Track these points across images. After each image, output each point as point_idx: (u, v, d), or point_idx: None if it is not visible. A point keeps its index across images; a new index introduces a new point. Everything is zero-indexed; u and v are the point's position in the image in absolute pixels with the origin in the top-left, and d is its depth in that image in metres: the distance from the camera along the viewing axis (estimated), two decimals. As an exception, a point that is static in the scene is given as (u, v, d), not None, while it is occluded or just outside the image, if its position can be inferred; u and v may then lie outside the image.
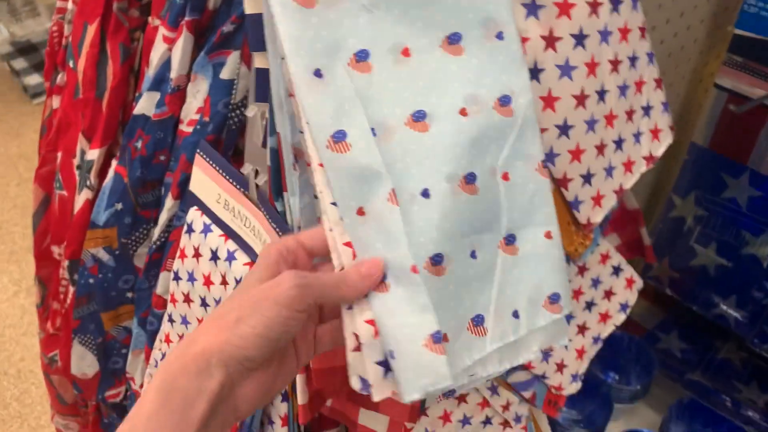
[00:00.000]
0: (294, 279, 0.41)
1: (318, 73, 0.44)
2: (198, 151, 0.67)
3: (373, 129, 0.44)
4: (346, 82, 0.45)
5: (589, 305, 0.75)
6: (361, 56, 0.45)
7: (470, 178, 0.45)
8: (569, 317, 0.73)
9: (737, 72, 0.94)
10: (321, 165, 0.44)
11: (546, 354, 0.72)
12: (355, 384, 0.45)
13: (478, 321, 0.47)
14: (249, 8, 0.51)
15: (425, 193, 0.44)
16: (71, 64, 0.84)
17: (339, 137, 0.44)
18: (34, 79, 2.63)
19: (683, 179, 1.08)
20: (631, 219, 0.83)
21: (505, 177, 0.47)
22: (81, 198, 0.83)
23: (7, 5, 2.30)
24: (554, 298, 0.48)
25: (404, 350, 0.43)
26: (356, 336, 0.44)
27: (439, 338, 0.43)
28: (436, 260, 0.45)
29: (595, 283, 0.74)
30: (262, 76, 0.54)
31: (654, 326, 1.28)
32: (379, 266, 0.43)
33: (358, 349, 0.44)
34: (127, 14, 0.79)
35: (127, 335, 0.88)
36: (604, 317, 0.76)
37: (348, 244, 0.44)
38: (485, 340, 0.47)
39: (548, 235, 0.48)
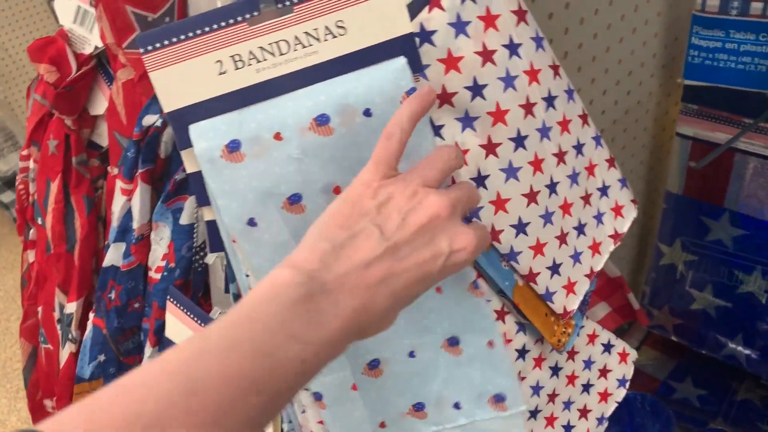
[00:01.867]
0: None
1: (252, 222, 0.47)
2: (168, 297, 0.67)
3: None
4: (281, 226, 0.47)
5: (587, 387, 0.73)
6: (294, 199, 0.47)
7: None
8: (569, 403, 0.72)
9: (696, 119, 0.95)
10: None
11: (551, 445, 0.70)
12: None
13: (419, 407, 0.55)
14: (189, 167, 0.51)
15: None
16: (39, 221, 0.85)
17: None
18: (24, 209, 2.66)
19: (666, 227, 1.08)
20: (615, 286, 0.82)
21: (439, 290, 0.51)
22: (65, 352, 0.83)
23: (-11, 143, 2.36)
24: (498, 398, 0.54)
25: None
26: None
27: None
28: (373, 365, 0.53)
29: (588, 364, 0.72)
30: (213, 227, 0.55)
31: (666, 376, 1.25)
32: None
33: None
34: (88, 165, 0.81)
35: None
36: (604, 396, 0.75)
37: None
38: (425, 422, 0.55)
39: (490, 344, 0.53)
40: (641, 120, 1.04)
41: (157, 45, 0.47)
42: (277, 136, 0.46)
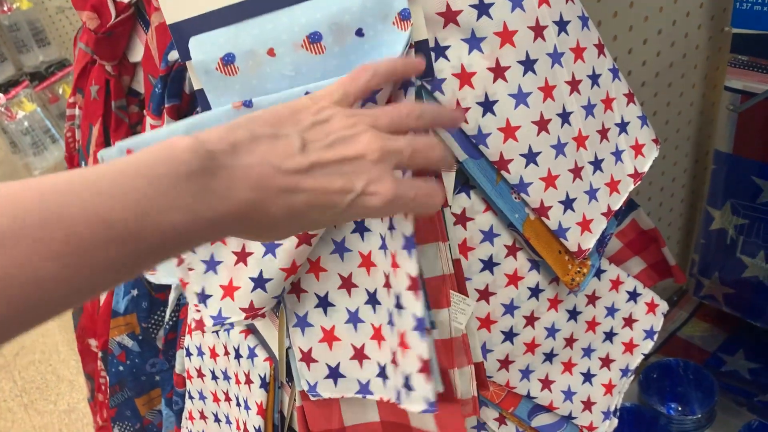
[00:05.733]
0: None
1: None
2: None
3: None
4: None
5: (609, 335, 0.71)
6: None
7: None
8: (589, 350, 0.70)
9: (745, 71, 0.90)
10: None
11: (568, 393, 0.68)
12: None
13: None
14: (196, 84, 0.53)
15: None
16: (83, 164, 0.89)
17: None
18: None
19: (715, 190, 1.03)
20: (649, 240, 0.79)
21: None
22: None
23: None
24: None
25: None
26: None
27: None
28: None
29: (611, 311, 0.70)
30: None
31: (717, 348, 1.19)
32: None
33: None
34: (127, 111, 0.84)
35: (162, 419, 0.90)
36: (630, 347, 0.72)
37: None
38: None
39: None
40: (688, 75, 0.99)
41: (163, -43, 0.49)
42: (271, 52, 0.47)
